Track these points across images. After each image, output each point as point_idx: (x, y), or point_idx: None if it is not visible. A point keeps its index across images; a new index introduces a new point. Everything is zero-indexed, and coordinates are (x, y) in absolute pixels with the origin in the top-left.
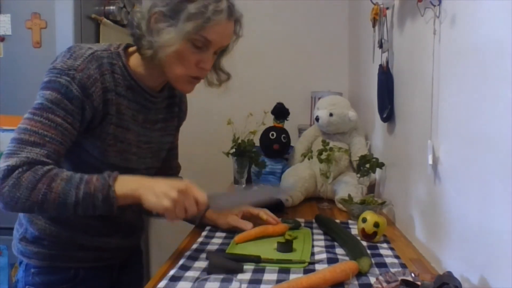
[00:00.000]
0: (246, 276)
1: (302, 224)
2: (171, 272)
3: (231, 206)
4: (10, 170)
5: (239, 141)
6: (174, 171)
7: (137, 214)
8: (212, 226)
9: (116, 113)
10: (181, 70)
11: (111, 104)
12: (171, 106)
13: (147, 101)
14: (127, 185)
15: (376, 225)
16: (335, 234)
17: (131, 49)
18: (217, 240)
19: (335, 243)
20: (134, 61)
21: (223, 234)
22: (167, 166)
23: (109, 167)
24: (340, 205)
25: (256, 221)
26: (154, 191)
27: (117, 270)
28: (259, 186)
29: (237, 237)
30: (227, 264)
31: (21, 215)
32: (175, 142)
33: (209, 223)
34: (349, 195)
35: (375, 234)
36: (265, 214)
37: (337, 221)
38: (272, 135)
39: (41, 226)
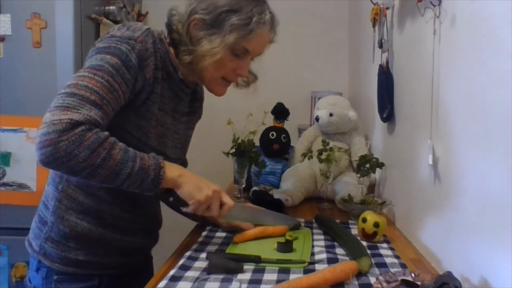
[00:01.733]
0: (246, 276)
1: (302, 224)
2: (171, 272)
3: (240, 219)
4: (73, 124)
5: (239, 141)
6: (184, 166)
7: (158, 209)
8: (213, 224)
9: (161, 94)
10: (218, 75)
11: (157, 82)
12: (193, 101)
13: (182, 91)
14: (173, 171)
15: (376, 225)
16: (335, 234)
17: (169, 40)
18: (217, 240)
19: (335, 243)
20: (173, 52)
21: (223, 234)
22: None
23: (150, 149)
24: (340, 205)
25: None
26: (194, 183)
27: (132, 277)
28: (274, 214)
29: (237, 237)
30: (227, 264)
31: (45, 211)
32: (191, 137)
33: (211, 222)
34: (349, 195)
35: (375, 234)
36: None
37: (337, 221)
38: (272, 135)
39: (72, 222)
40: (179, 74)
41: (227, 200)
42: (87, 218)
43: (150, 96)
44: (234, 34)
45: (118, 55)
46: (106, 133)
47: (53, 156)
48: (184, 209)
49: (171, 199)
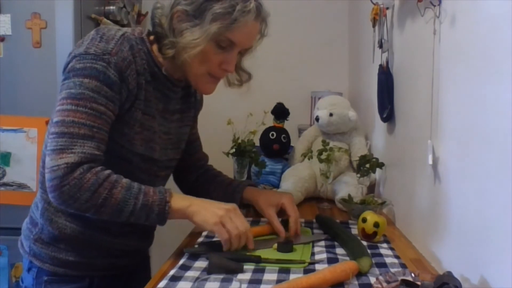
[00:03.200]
0: (246, 276)
1: (302, 225)
2: (171, 272)
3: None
4: (70, 167)
5: (239, 141)
6: (203, 161)
7: None
8: (250, 206)
9: (145, 99)
10: (203, 70)
11: (141, 88)
12: (187, 97)
13: (169, 90)
14: (180, 202)
15: (376, 225)
16: (335, 234)
17: (151, 37)
18: (218, 240)
19: (335, 243)
20: (156, 50)
21: None
22: (196, 158)
23: (135, 156)
24: (340, 205)
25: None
26: (204, 208)
27: (126, 277)
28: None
29: None
30: (227, 264)
31: (36, 213)
32: (196, 133)
33: (249, 202)
34: (349, 195)
35: (375, 234)
36: (293, 223)
37: (337, 221)
38: (272, 135)
39: (61, 225)
40: (163, 71)
41: (241, 223)
42: (76, 221)
43: (134, 103)
44: (216, 24)
45: (95, 76)
46: (107, 172)
47: (61, 199)
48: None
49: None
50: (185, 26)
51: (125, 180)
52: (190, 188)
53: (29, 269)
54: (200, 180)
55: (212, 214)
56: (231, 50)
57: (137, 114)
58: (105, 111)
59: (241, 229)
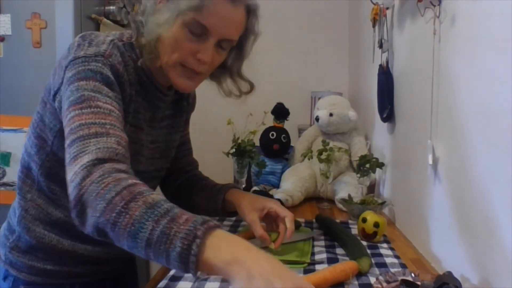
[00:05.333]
0: None
1: (303, 224)
2: (171, 272)
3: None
4: (88, 169)
5: (239, 141)
6: (191, 167)
7: None
8: (231, 211)
9: (133, 111)
10: (174, 59)
11: (132, 100)
12: (179, 101)
13: (158, 99)
14: (222, 251)
15: (376, 225)
16: (335, 234)
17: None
18: None
19: (335, 243)
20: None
21: None
22: (184, 163)
23: None
24: (340, 205)
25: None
26: (259, 274)
27: (110, 282)
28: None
29: (239, 235)
30: None
31: (13, 219)
32: (186, 136)
33: (231, 205)
34: (349, 195)
35: (375, 234)
36: (290, 223)
37: (337, 221)
38: (272, 135)
39: (39, 234)
40: (153, 81)
41: None
42: (55, 230)
43: (124, 116)
44: (185, 2)
45: (91, 77)
46: (134, 180)
47: (83, 217)
48: None
49: None
50: (159, 8)
51: (154, 196)
52: (173, 193)
53: (5, 278)
54: (184, 184)
55: None
56: (206, 39)
57: (124, 127)
58: (113, 109)
59: None
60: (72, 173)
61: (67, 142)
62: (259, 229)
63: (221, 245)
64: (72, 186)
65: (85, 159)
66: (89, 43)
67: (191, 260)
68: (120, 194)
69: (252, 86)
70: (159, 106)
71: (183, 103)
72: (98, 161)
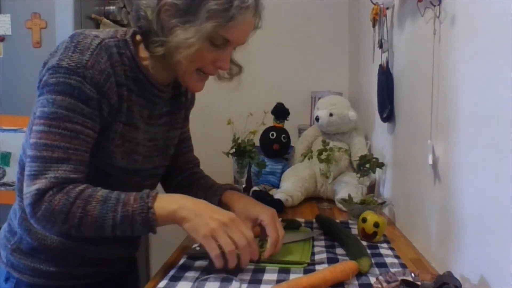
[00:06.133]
0: (246, 276)
1: (302, 224)
2: (171, 272)
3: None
4: (40, 193)
5: (239, 141)
6: (191, 164)
7: None
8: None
9: (127, 110)
10: (193, 68)
11: (122, 100)
12: (177, 97)
13: (155, 96)
14: (167, 206)
15: (376, 225)
16: (335, 234)
17: (138, 37)
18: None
19: (335, 243)
20: (142, 51)
21: None
22: (184, 160)
23: (115, 169)
24: (340, 205)
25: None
26: (194, 215)
27: (112, 283)
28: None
29: None
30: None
31: (14, 221)
32: (186, 133)
33: (226, 209)
34: (349, 195)
35: (375, 234)
36: (270, 245)
37: (337, 221)
38: (272, 135)
39: (40, 235)
40: (149, 78)
41: (244, 229)
42: None
43: (115, 116)
44: (212, 22)
45: (69, 93)
46: (79, 188)
47: (39, 225)
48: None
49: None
50: (176, 23)
51: (101, 193)
52: (173, 191)
53: (6, 279)
54: (183, 183)
55: (203, 224)
56: (225, 48)
57: (117, 126)
58: (82, 129)
59: (240, 244)
60: (28, 190)
61: (30, 153)
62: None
63: (166, 203)
64: (26, 202)
65: (42, 184)
66: (75, 46)
67: (152, 224)
68: (75, 204)
69: (241, 69)
70: (156, 103)
71: (181, 99)
72: (50, 189)
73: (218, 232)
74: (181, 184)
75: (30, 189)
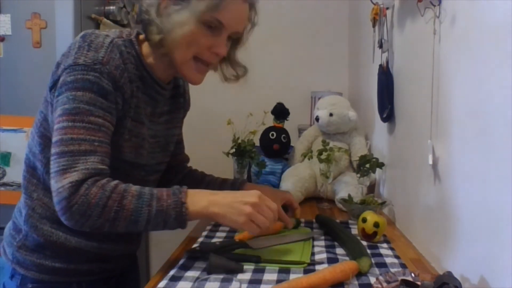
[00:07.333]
0: (246, 276)
1: (302, 225)
2: (171, 272)
3: (267, 244)
4: (75, 186)
5: (239, 141)
6: (186, 163)
7: None
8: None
9: (135, 106)
10: (190, 54)
11: (133, 96)
12: (176, 97)
13: (157, 93)
14: (198, 202)
15: (376, 225)
16: (335, 234)
17: (141, 36)
18: (218, 239)
19: (335, 243)
20: (145, 50)
21: (224, 234)
22: (180, 159)
23: (123, 163)
24: (340, 205)
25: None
26: (227, 208)
27: (115, 280)
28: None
29: (237, 236)
30: (227, 264)
31: (19, 219)
32: (181, 134)
33: None
34: (349, 195)
35: (375, 234)
36: (299, 214)
37: (337, 221)
38: (272, 135)
39: (46, 232)
40: (152, 74)
41: (270, 203)
42: (62, 228)
43: (125, 111)
44: (203, 2)
45: (89, 88)
46: (113, 183)
47: (73, 220)
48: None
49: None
50: (172, 10)
51: (134, 188)
52: None
53: (12, 276)
54: (186, 180)
55: (239, 213)
56: (220, 33)
57: (126, 121)
58: (104, 122)
59: (270, 218)
60: (60, 185)
61: (55, 149)
62: (286, 216)
63: (197, 198)
64: (60, 197)
65: (74, 176)
66: (89, 45)
67: (185, 219)
68: (111, 198)
69: (246, 70)
70: (158, 100)
71: (180, 100)
72: (84, 181)
73: (253, 215)
74: (183, 182)
75: (62, 183)
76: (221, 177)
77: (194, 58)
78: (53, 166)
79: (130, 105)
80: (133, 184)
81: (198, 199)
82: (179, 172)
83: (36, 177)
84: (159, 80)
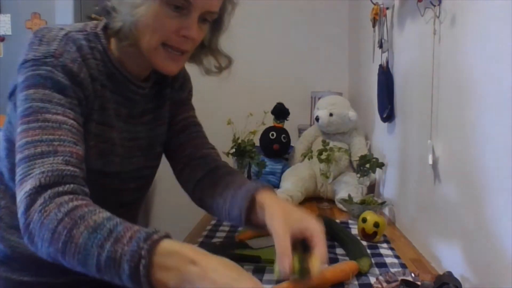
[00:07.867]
0: None
1: None
2: None
3: (267, 244)
4: (31, 196)
5: (239, 141)
6: (212, 156)
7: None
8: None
9: (99, 108)
10: (157, 40)
11: (96, 96)
12: (160, 90)
13: (132, 92)
14: (169, 270)
15: (376, 225)
16: (335, 234)
17: (110, 30)
18: (218, 239)
19: (335, 243)
20: (114, 44)
21: (224, 234)
22: (191, 147)
23: (90, 172)
24: (340, 205)
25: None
26: (211, 283)
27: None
28: None
29: (238, 236)
30: None
31: None
32: (189, 119)
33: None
34: (349, 195)
35: (375, 234)
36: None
37: (337, 221)
38: (272, 135)
39: (14, 242)
40: (123, 72)
41: None
42: None
43: (89, 114)
44: None
45: (41, 84)
46: (75, 203)
47: (34, 245)
48: None
49: None
50: None
51: (97, 217)
52: (193, 190)
53: None
54: (205, 181)
55: None
56: (188, 14)
57: (90, 126)
58: (65, 120)
59: None
60: (18, 199)
61: (16, 160)
62: (288, 261)
63: (168, 264)
64: (19, 213)
65: (28, 185)
66: (40, 40)
67: (143, 281)
68: (62, 222)
69: (230, 60)
70: (135, 100)
71: (166, 91)
72: (41, 188)
73: None
74: (202, 183)
75: (19, 196)
76: (243, 180)
77: (163, 45)
78: (16, 178)
79: (93, 106)
80: (109, 194)
81: (169, 264)
82: (198, 169)
83: (3, 184)
84: (132, 77)
